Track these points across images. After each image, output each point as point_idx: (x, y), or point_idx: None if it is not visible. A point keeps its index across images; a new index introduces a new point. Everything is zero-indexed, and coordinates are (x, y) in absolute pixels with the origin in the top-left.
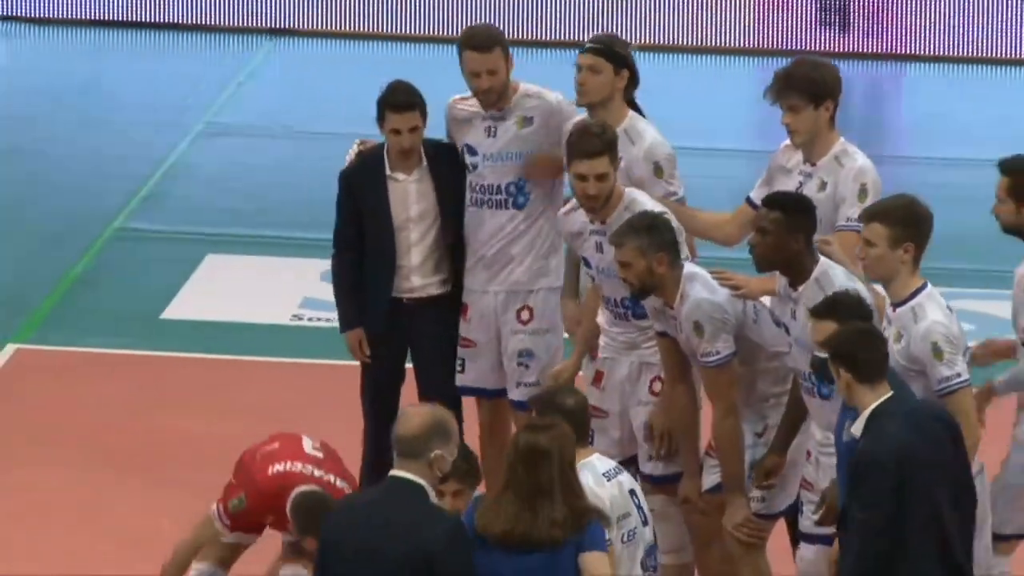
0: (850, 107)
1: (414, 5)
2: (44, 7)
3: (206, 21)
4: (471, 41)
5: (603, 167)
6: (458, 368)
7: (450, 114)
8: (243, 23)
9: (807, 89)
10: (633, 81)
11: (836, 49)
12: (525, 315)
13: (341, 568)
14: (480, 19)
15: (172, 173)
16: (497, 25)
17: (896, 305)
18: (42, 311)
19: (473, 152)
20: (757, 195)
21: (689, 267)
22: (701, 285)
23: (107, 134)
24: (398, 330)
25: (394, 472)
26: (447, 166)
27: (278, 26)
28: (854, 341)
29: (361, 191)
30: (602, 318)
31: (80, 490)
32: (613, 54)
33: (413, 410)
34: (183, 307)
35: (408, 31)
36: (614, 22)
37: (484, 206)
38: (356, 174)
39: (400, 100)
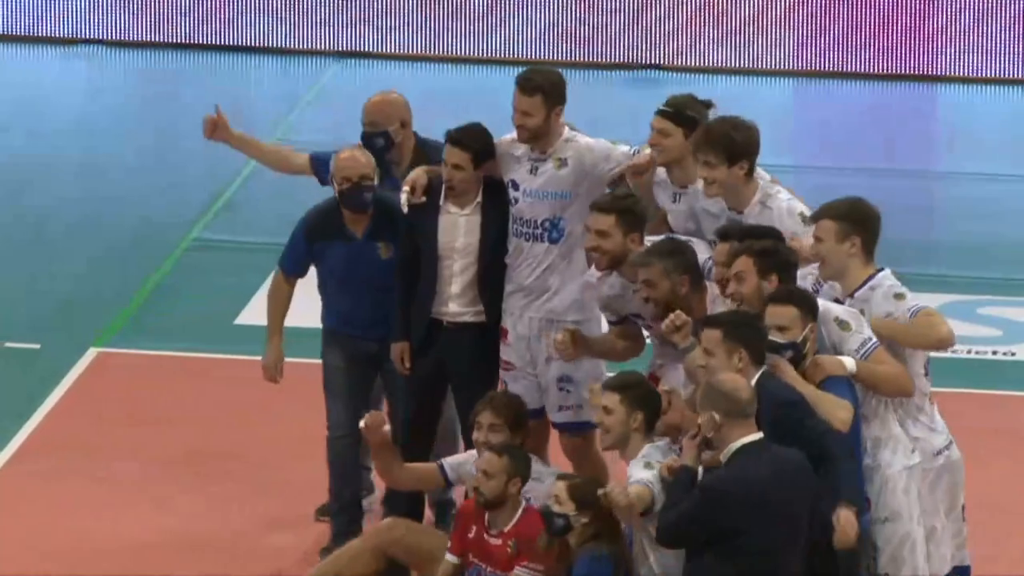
0: (885, 124)
1: (491, 26)
2: (124, 31)
3: (277, 44)
4: (520, 78)
5: (606, 224)
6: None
7: (499, 150)
8: (312, 46)
9: (723, 149)
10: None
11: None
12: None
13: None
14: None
15: (245, 186)
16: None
17: (850, 296)
18: (123, 316)
19: (516, 187)
20: (678, 227)
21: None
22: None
23: (184, 150)
24: (435, 347)
25: (754, 438)
26: (499, 206)
27: (347, 48)
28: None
29: (418, 215)
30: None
31: (156, 487)
32: (683, 117)
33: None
34: (255, 313)
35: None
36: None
37: (523, 238)
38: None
39: (453, 134)
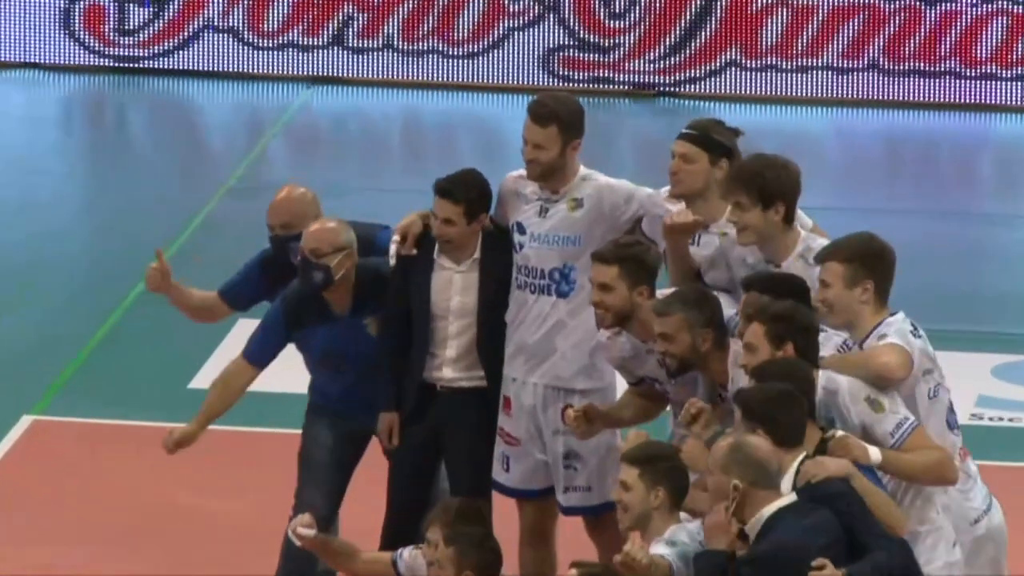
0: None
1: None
2: (63, 54)
3: (238, 68)
4: (532, 106)
5: (609, 277)
6: (502, 467)
7: (505, 188)
8: (279, 71)
9: (756, 189)
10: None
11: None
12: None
13: None
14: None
15: (204, 229)
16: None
17: (859, 347)
18: (61, 379)
19: (522, 231)
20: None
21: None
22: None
23: (134, 188)
24: (428, 415)
25: (787, 502)
26: (499, 261)
27: (319, 73)
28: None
29: (411, 269)
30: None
31: (93, 567)
32: (710, 141)
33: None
34: (212, 376)
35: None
36: None
37: (527, 289)
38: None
39: (441, 184)
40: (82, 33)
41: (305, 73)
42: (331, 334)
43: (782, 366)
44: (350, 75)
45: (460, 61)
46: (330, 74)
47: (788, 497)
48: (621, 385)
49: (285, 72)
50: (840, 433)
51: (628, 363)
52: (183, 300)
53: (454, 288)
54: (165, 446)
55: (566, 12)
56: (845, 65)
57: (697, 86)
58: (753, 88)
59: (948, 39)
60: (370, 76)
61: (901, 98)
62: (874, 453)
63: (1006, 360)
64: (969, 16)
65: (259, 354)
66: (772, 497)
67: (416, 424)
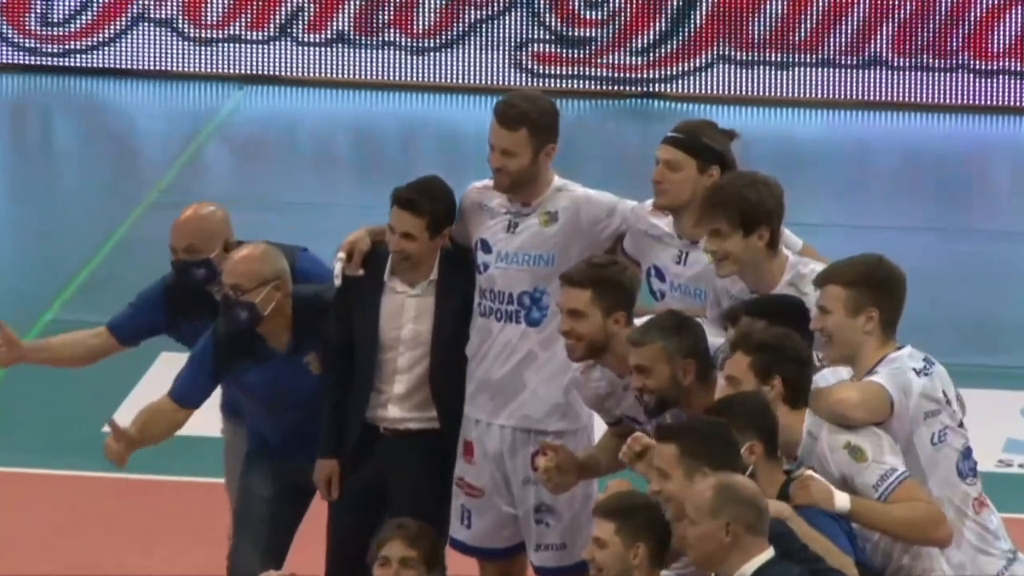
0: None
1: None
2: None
3: (167, 66)
4: (500, 107)
5: (580, 302)
6: (462, 522)
7: (468, 200)
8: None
9: (737, 213)
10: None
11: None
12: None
13: None
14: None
15: (118, 251)
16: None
17: None
18: None
19: (487, 249)
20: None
21: None
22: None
23: (49, 203)
24: (371, 461)
25: (767, 558)
26: (459, 284)
27: (259, 72)
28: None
29: (356, 292)
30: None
31: None
32: (698, 146)
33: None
34: (129, 418)
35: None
36: None
37: (492, 316)
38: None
39: (402, 194)
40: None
41: (244, 71)
42: (268, 373)
43: (738, 399)
44: (295, 73)
45: (419, 57)
46: (272, 72)
47: (767, 552)
48: (600, 427)
49: (223, 70)
50: (807, 472)
51: (605, 401)
52: (49, 356)
53: (406, 314)
54: (110, 454)
55: (538, 2)
56: (848, 61)
57: (685, 83)
58: (747, 87)
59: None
60: (317, 74)
61: (914, 100)
62: (841, 500)
63: None
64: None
65: (186, 394)
66: (757, 548)
67: (357, 471)
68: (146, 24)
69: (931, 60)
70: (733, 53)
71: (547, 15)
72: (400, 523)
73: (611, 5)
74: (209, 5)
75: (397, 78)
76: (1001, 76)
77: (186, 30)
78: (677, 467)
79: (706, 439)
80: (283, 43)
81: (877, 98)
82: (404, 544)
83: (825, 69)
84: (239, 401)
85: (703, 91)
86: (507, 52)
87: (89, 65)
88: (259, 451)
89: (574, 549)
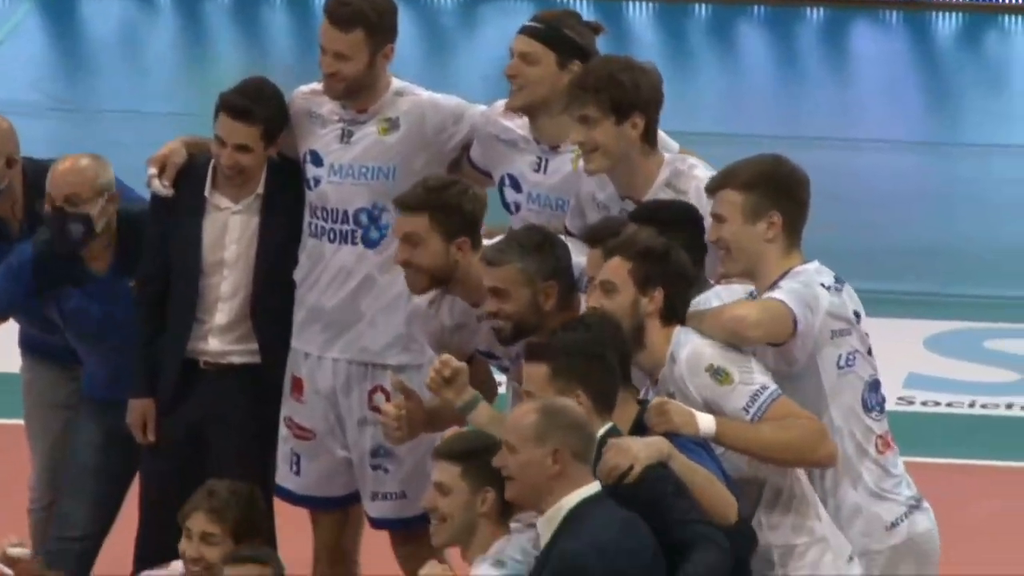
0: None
1: None
2: None
3: None
4: (330, 6)
5: (417, 227)
6: (291, 468)
7: (294, 107)
8: None
9: (607, 97)
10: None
11: None
12: (379, 400)
13: None
14: None
15: None
16: None
17: None
18: None
19: (318, 162)
20: (572, 225)
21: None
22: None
23: None
24: (190, 403)
25: (592, 491)
26: (288, 198)
27: None
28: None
29: (173, 211)
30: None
31: None
32: (558, 38)
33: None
34: None
35: None
36: None
37: (325, 237)
38: (175, 184)
39: (234, 102)
40: None
41: None
42: (87, 299)
43: (593, 317)
44: None
45: None
46: None
47: (593, 485)
48: None
49: None
50: (663, 400)
51: (454, 336)
52: None
53: (229, 234)
54: None
55: None
56: None
57: None
58: None
59: None
60: None
61: None
62: (705, 422)
63: (942, 328)
64: None
65: None
66: (583, 479)
67: (175, 413)
68: None
69: None
70: None
71: None
72: (210, 490)
73: None
74: None
75: None
76: None
77: None
78: (549, 389)
79: (581, 359)
80: None
81: None
82: (207, 518)
83: None
84: (35, 338)
85: None
86: None
87: None
88: (89, 393)
89: (416, 499)
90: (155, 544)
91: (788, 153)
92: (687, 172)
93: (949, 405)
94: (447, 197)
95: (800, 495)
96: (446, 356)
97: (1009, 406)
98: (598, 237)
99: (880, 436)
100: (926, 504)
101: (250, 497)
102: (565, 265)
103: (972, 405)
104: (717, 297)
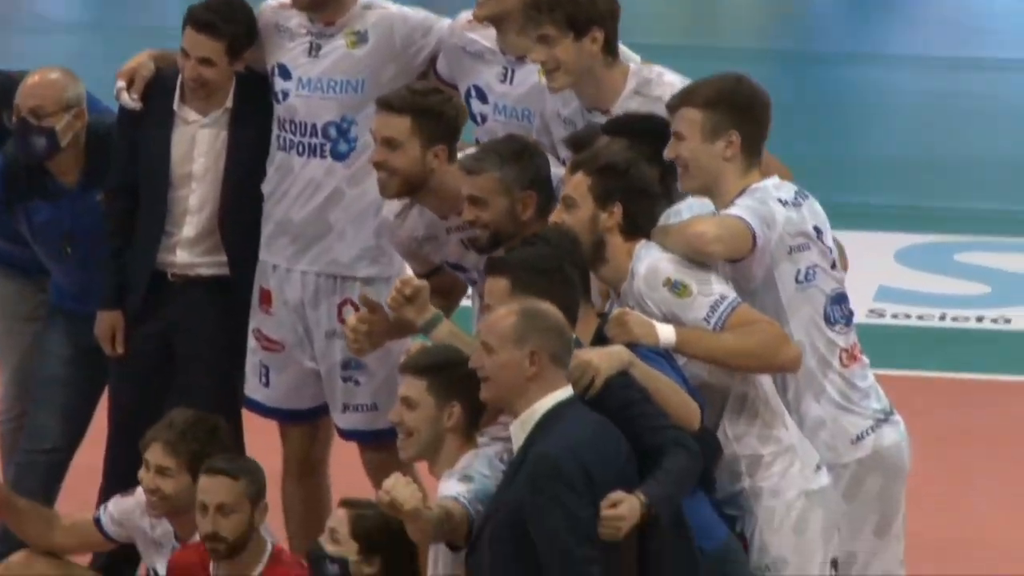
0: None
1: None
2: None
3: None
4: None
5: (397, 130)
6: (259, 380)
7: (262, 20)
8: None
9: (563, 14)
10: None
11: None
12: (348, 312)
13: None
14: None
15: None
16: None
17: None
18: None
19: (286, 75)
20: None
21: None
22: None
23: None
24: (159, 314)
25: (566, 395)
26: (257, 112)
27: None
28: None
29: (141, 124)
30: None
31: None
32: None
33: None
34: None
35: None
36: None
37: (293, 151)
38: (143, 97)
39: (200, 16)
40: None
41: None
42: (58, 213)
43: (552, 231)
44: None
45: None
46: None
47: (566, 389)
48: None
49: None
50: (624, 312)
51: (421, 247)
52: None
53: (198, 147)
54: None
55: None
56: None
57: None
58: None
59: None
60: None
61: None
62: (665, 332)
63: (913, 241)
64: None
65: None
66: (558, 382)
67: (144, 325)
68: None
69: None
70: None
71: None
72: (170, 421)
73: None
74: None
75: None
76: None
77: None
78: (510, 303)
79: (540, 273)
80: None
81: None
82: (163, 450)
83: None
84: (2, 250)
85: None
86: None
87: None
88: (58, 305)
89: (387, 411)
90: (124, 459)
91: (762, 69)
92: (656, 79)
93: (920, 318)
94: (431, 102)
95: (765, 404)
96: (406, 276)
97: (979, 319)
98: (580, 146)
99: (845, 349)
100: (896, 417)
101: (211, 429)
102: (544, 175)
103: (943, 318)
104: (689, 209)
